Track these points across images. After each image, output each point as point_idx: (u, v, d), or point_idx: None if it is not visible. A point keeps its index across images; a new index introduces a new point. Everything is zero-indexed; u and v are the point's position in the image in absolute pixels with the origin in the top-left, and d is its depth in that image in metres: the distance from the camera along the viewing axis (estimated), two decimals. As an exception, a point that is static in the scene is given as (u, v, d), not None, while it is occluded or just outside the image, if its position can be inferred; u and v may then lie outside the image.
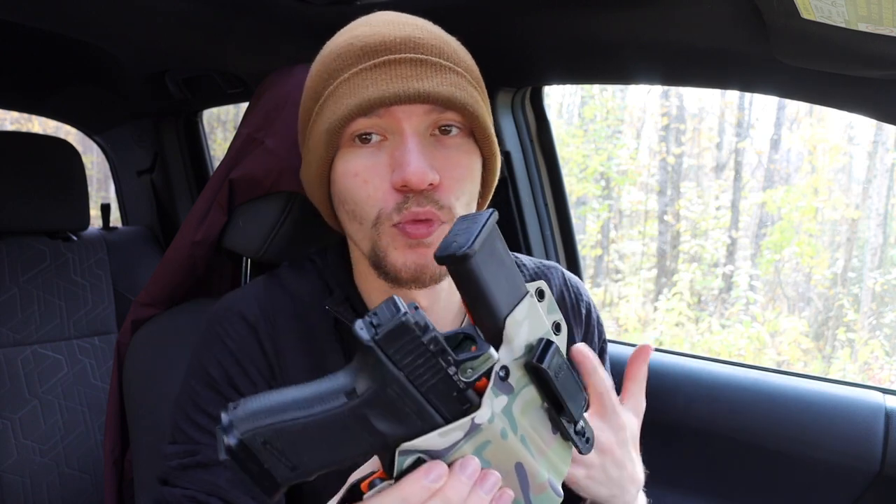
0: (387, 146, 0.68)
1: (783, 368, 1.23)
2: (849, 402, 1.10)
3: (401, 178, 0.65)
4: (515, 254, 0.89)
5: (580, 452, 0.53)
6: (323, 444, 0.44)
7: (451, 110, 0.68)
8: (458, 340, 0.47)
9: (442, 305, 0.78)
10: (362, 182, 0.68)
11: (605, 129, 5.34)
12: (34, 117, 4.72)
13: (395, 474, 0.45)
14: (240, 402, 0.44)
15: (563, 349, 0.52)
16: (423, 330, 0.44)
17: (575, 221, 1.50)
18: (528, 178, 1.43)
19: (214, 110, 4.17)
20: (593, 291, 5.28)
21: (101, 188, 5.75)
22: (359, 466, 0.52)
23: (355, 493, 0.50)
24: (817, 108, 4.04)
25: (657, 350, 1.37)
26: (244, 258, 1.08)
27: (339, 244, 0.82)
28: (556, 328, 0.53)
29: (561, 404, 0.50)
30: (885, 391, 1.10)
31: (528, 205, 1.43)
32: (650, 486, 0.96)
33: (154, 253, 1.76)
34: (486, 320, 0.48)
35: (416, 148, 0.66)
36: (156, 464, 0.91)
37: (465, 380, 0.45)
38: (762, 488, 1.13)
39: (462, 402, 0.46)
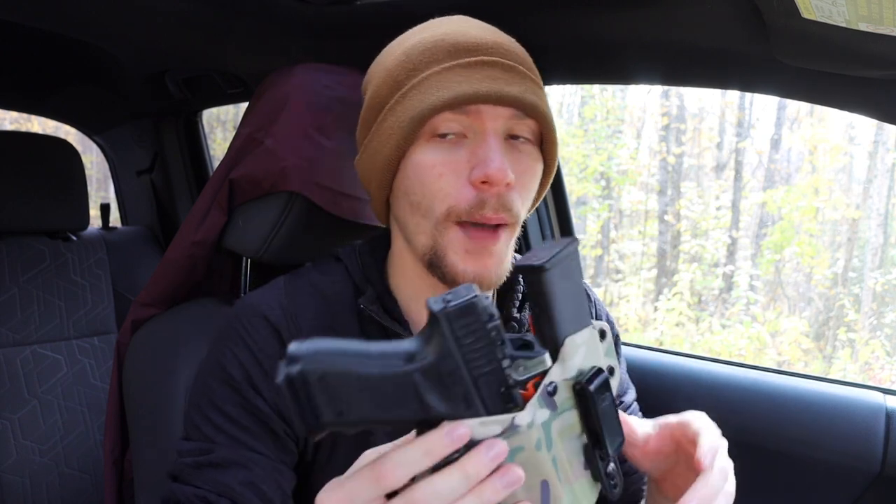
0: (466, 144, 0.70)
1: (783, 368, 1.23)
2: (849, 402, 1.10)
3: (483, 173, 0.66)
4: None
5: (607, 494, 0.52)
6: (373, 398, 0.45)
7: (531, 118, 0.70)
8: (518, 344, 0.48)
9: None
10: (437, 175, 0.69)
11: (605, 129, 5.34)
12: (34, 117, 4.72)
13: None
14: (307, 340, 0.46)
15: (615, 391, 0.53)
16: (490, 317, 0.45)
17: (575, 221, 1.50)
18: (529, 178, 1.43)
19: (214, 110, 4.17)
20: (593, 291, 5.27)
21: (100, 188, 5.75)
22: (395, 435, 0.51)
23: None
24: (818, 107, 4.04)
25: (657, 350, 1.37)
26: (244, 258, 1.08)
27: (372, 240, 0.82)
28: (610, 371, 0.53)
29: (598, 435, 0.50)
30: (885, 391, 1.10)
31: (529, 205, 1.42)
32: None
33: (154, 253, 1.75)
34: (548, 334, 0.50)
35: (498, 147, 0.68)
36: (156, 463, 0.91)
37: (515, 377, 0.46)
38: (762, 488, 1.13)
39: (506, 401, 0.46)
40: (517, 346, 0.48)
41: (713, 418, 0.61)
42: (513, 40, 0.75)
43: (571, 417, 0.50)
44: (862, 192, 4.51)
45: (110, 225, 1.80)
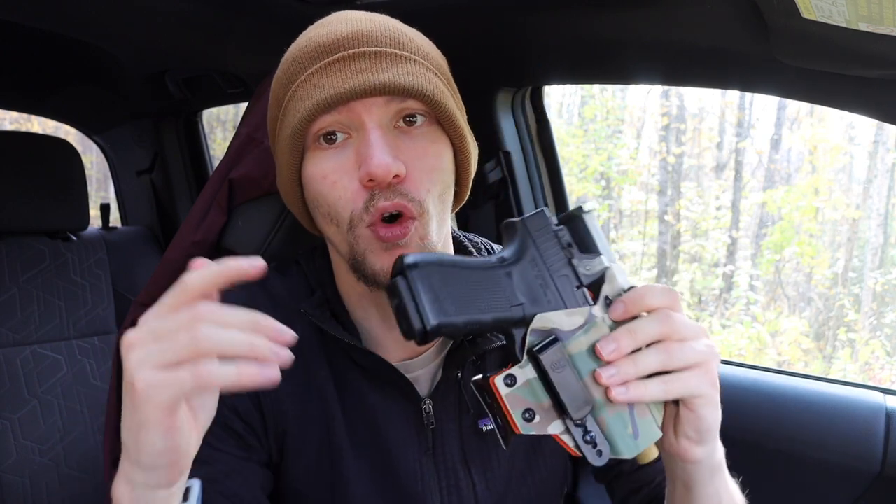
0: (351, 143, 0.68)
1: (783, 368, 1.23)
2: (849, 402, 1.10)
3: (366, 172, 0.64)
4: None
5: None
6: (477, 297, 0.53)
7: (410, 98, 0.67)
8: (592, 258, 0.57)
9: None
10: (331, 184, 0.68)
11: (605, 129, 5.34)
12: (34, 117, 4.72)
13: (526, 348, 0.54)
14: (419, 253, 0.54)
15: None
16: (557, 224, 0.57)
17: (575, 221, 1.50)
18: (528, 178, 1.43)
19: (214, 110, 4.17)
20: (593, 291, 5.25)
21: (100, 188, 5.75)
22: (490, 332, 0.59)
23: (484, 388, 0.56)
24: (818, 107, 4.04)
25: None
26: (244, 258, 1.08)
27: (325, 245, 0.82)
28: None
29: None
30: (885, 391, 1.10)
31: (528, 205, 1.42)
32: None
33: (154, 253, 1.75)
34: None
35: (378, 141, 0.65)
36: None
37: (586, 273, 0.56)
38: (762, 488, 1.13)
39: (579, 299, 0.56)
40: (586, 255, 0.57)
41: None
42: (391, 25, 0.71)
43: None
44: (862, 192, 4.51)
45: (110, 225, 1.80)
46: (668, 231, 5.19)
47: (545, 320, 0.53)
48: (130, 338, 0.53)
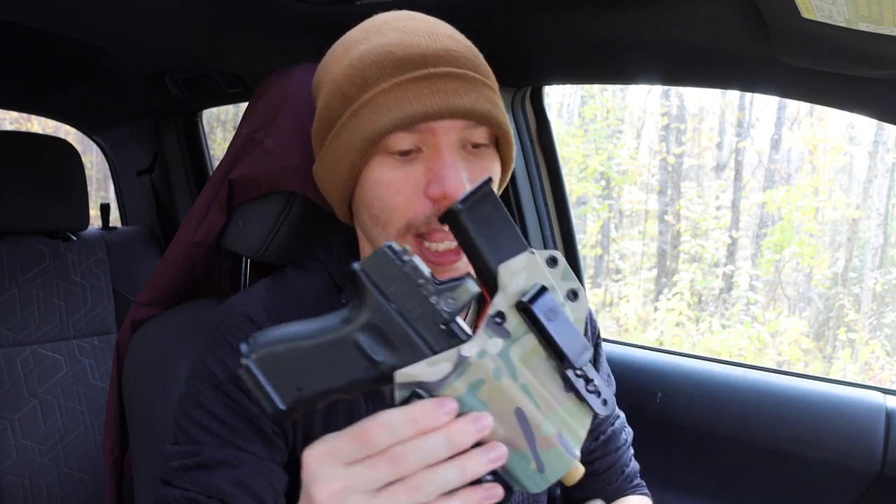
0: (421, 158, 0.69)
1: (784, 368, 1.23)
2: (849, 402, 1.10)
3: (441, 191, 0.66)
4: None
5: (595, 412, 0.51)
6: (324, 366, 0.47)
7: (485, 125, 0.70)
8: (455, 286, 0.49)
9: None
10: (395, 191, 0.69)
11: (605, 129, 5.34)
12: (34, 117, 4.72)
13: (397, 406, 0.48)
14: (258, 332, 0.49)
15: (583, 316, 0.52)
16: (402, 261, 0.48)
17: (575, 221, 1.50)
18: (528, 177, 1.43)
19: (214, 110, 4.18)
20: (593, 291, 5.29)
21: (100, 188, 5.76)
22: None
23: None
24: (818, 107, 4.04)
25: (657, 350, 1.37)
26: (243, 258, 1.08)
27: (348, 241, 0.82)
28: (573, 295, 0.52)
29: (559, 351, 0.49)
30: (885, 391, 1.10)
31: (528, 205, 1.42)
32: (649, 486, 0.96)
33: (154, 253, 1.76)
34: (482, 268, 0.51)
35: (453, 161, 0.67)
36: (155, 464, 0.91)
37: (447, 309, 0.48)
38: (762, 488, 1.13)
39: (450, 337, 0.48)
40: (455, 287, 0.49)
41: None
42: (466, 43, 0.73)
43: (530, 342, 0.50)
44: (862, 192, 4.52)
45: (110, 225, 1.80)
46: (668, 231, 5.19)
47: (406, 376, 0.47)
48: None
